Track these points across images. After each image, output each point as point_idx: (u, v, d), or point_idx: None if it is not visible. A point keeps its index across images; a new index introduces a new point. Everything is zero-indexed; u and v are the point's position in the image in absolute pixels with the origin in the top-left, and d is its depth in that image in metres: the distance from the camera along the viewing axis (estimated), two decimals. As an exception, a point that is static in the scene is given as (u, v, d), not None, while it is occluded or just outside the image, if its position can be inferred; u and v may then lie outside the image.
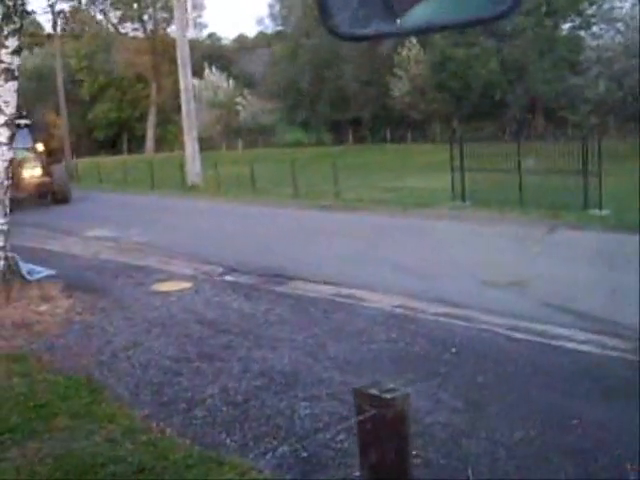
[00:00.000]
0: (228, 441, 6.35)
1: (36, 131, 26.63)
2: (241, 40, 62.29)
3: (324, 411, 6.69)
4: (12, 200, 20.02)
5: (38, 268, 11.76)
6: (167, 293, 11.70)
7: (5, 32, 9.90)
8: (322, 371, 7.76)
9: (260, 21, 50.10)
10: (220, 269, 13.39)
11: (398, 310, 9.98)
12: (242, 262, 13.65)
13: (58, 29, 57.05)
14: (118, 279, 13.02)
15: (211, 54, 56.23)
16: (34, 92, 55.96)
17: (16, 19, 9.76)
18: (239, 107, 48.77)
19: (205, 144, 51.50)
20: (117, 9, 54.87)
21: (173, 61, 56.90)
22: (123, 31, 56.18)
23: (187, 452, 6.16)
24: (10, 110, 10.33)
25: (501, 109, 32.47)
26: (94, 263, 14.82)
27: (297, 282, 12.05)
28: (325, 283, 11.76)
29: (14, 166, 20.85)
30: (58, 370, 8.35)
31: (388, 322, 9.45)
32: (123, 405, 7.23)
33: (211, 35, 70.10)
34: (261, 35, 57.35)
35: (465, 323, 9.22)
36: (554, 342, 8.33)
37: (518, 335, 8.63)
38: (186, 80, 26.82)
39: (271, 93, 45.57)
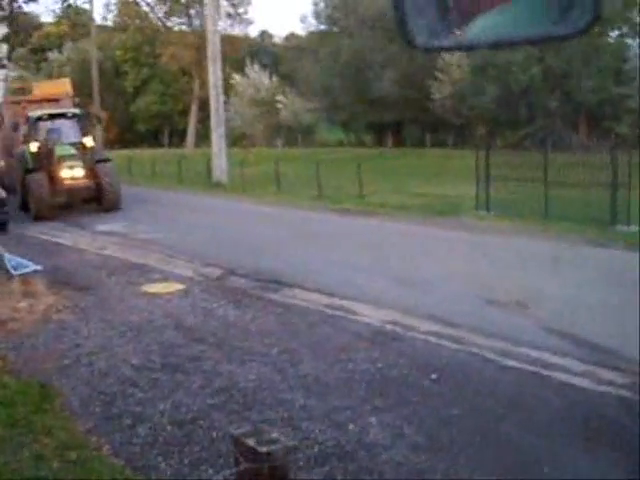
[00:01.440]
0: (163, 465, 5.85)
1: (87, 123, 23.42)
2: (290, 39, 61.96)
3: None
4: (47, 206, 19.72)
5: (25, 262, 11.37)
6: (155, 295, 11.27)
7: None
8: (286, 391, 7.21)
9: (304, 19, 50.01)
10: (219, 272, 12.91)
11: (388, 327, 9.36)
12: (243, 265, 13.14)
13: (97, 20, 57.72)
14: (111, 277, 12.61)
15: (257, 51, 56.09)
16: (79, 83, 56.27)
17: (5, 6, 9.38)
18: (280, 105, 48.32)
19: (246, 141, 51.39)
20: (164, 3, 54.88)
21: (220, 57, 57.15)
22: (169, 25, 56.16)
23: (114, 476, 5.68)
24: (-4, 98, 9.97)
25: (540, 117, 31.53)
26: (94, 258, 14.47)
27: (293, 290, 11.49)
28: (320, 292, 11.18)
29: (52, 164, 20.20)
30: (16, 372, 7.97)
31: (374, 339, 8.87)
32: (68, 416, 6.78)
33: (263, 33, 69.91)
34: (310, 35, 56.79)
35: (455, 345, 8.58)
36: (545, 372, 7.65)
37: (508, 362, 7.96)
38: (215, 76, 26.36)
39: (313, 92, 45.02)
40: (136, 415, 6.72)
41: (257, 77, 50.17)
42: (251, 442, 3.21)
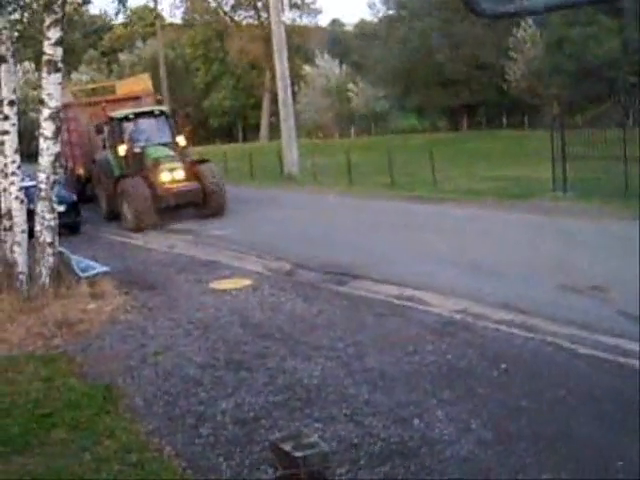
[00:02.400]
0: (224, 466, 5.75)
1: (177, 121, 21.03)
2: (361, 26, 61.46)
3: (334, 436, 5.98)
4: (149, 214, 17.34)
5: (93, 264, 11.48)
6: (223, 291, 11.23)
7: (47, 23, 9.60)
8: (350, 386, 7.05)
9: (372, 6, 49.34)
10: (288, 266, 12.81)
11: (458, 316, 9.11)
12: (313, 258, 13.01)
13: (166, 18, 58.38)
14: (181, 275, 12.66)
15: (327, 41, 55.85)
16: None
17: (57, 9, 9.43)
18: (351, 94, 48.04)
19: (319, 131, 51.30)
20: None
21: (289, 48, 57.16)
22: (237, 19, 56.35)
23: (173, 478, 5.62)
24: (54, 103, 10.05)
25: (619, 92, 30.39)
26: (163, 257, 14.57)
27: (362, 281, 11.32)
28: (390, 283, 10.97)
29: (146, 167, 18.22)
30: (84, 375, 8.02)
31: (443, 330, 8.61)
32: (131, 418, 6.77)
33: (334, 21, 69.54)
34: (380, 21, 56.17)
35: (527, 333, 8.27)
36: (622, 359, 7.27)
37: (583, 350, 7.61)
38: (282, 67, 26.23)
39: (384, 79, 44.53)
40: (199, 415, 6.66)
41: (327, 67, 49.96)
42: (288, 447, 3.05)
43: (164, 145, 19.12)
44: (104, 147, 20.45)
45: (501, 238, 13.47)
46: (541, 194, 17.98)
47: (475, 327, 8.66)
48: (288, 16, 57.57)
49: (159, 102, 24.67)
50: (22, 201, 10.68)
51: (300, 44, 53.74)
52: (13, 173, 10.47)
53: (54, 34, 9.51)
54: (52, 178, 10.36)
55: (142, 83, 24.46)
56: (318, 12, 63.76)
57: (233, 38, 54.48)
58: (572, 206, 16.29)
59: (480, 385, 6.86)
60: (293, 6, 56.64)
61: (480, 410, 6.31)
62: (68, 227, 18.08)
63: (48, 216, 10.37)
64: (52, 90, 9.93)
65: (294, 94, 53.46)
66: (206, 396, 7.08)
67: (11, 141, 10.40)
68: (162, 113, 20.28)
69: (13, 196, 10.48)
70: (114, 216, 19.10)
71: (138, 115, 19.70)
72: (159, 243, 16.21)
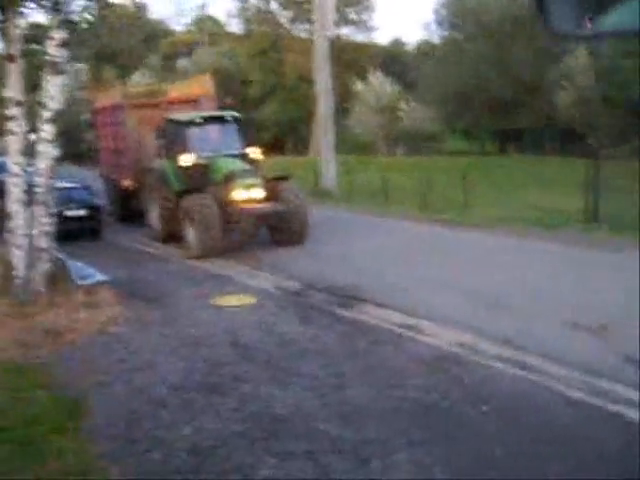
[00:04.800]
0: (166, 496, 5.45)
1: (249, 129, 18.53)
2: (420, 46, 61.05)
3: (287, 473, 5.63)
4: (218, 239, 14.61)
5: (91, 271, 11.30)
6: (223, 308, 10.95)
7: (52, 24, 9.48)
8: (321, 420, 6.67)
9: (427, 26, 48.67)
10: (297, 285, 12.48)
11: (454, 349, 8.68)
12: (325, 279, 12.69)
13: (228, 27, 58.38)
14: (188, 288, 12.42)
15: (384, 59, 55.42)
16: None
17: (62, 9, 9.30)
18: (401, 113, 47.60)
19: (367, 149, 50.92)
20: (286, 9, 55.22)
21: (342, 64, 57.01)
22: (294, 31, 56.36)
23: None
24: (55, 105, 9.91)
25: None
26: (176, 268, 14.37)
27: (367, 306, 10.94)
28: (396, 309, 10.57)
29: (215, 182, 15.40)
30: (56, 387, 7.77)
31: (434, 363, 8.20)
32: (87, 437, 6.49)
33: (396, 40, 69.09)
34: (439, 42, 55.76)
35: (520, 372, 7.81)
36: (614, 408, 6.76)
37: (576, 395, 7.12)
38: (323, 82, 26.04)
39: (435, 100, 44.06)
40: (155, 439, 6.35)
41: (380, 84, 49.57)
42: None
43: (235, 157, 16.38)
44: (159, 155, 17.77)
45: (519, 268, 12.97)
46: (572, 224, 17.38)
47: (470, 363, 8.21)
48: (344, 31, 57.79)
49: (228, 107, 21.53)
50: (25, 203, 10.51)
51: (354, 60, 53.60)
52: (16, 175, 10.34)
53: (59, 35, 9.39)
54: (49, 183, 10.21)
55: (202, 85, 21.84)
56: (374, 29, 63.39)
57: (288, 51, 54.43)
58: (601, 238, 15.69)
59: (457, 428, 6.44)
60: (349, 22, 56.51)
61: (449, 456, 5.89)
62: (89, 232, 18.15)
63: (44, 221, 10.22)
64: (54, 92, 9.80)
65: (345, 110, 53.58)
66: (169, 419, 6.77)
67: (16, 142, 10.26)
68: (235, 119, 17.26)
69: (15, 198, 10.34)
70: (172, 239, 16.49)
71: (206, 120, 17.00)
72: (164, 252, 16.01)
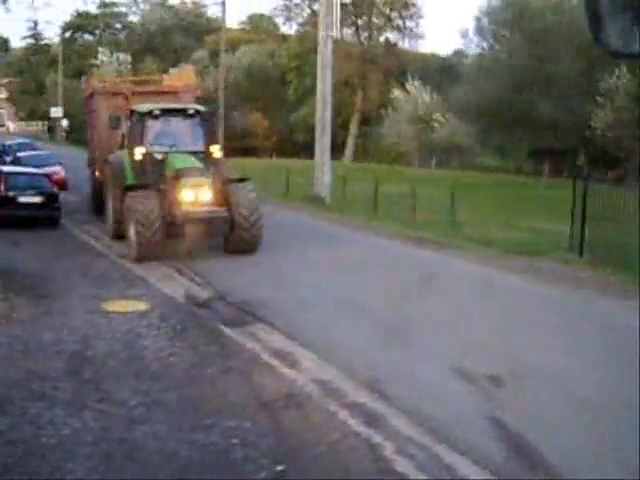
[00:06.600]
0: None
1: (215, 125, 17.33)
2: (458, 55, 59.21)
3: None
4: (155, 242, 13.55)
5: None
6: (106, 314, 10.07)
7: None
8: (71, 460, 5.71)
9: (465, 34, 46.72)
10: (208, 295, 11.53)
11: (309, 388, 7.55)
12: (243, 291, 11.69)
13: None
14: (89, 287, 11.63)
15: (421, 66, 54.01)
16: (245, 88, 56.92)
17: None
18: (436, 124, 46.29)
19: (400, 159, 49.70)
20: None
21: (385, 71, 55.86)
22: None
23: None
24: None
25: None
26: (96, 264, 13.62)
27: (257, 325, 9.90)
28: (285, 334, 9.45)
29: (165, 180, 14.33)
30: None
31: (275, 403, 7.12)
32: None
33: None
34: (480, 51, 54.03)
35: (363, 428, 6.65)
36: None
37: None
38: (324, 84, 25.01)
39: (469, 112, 42.45)
40: None
41: (417, 93, 48.34)
42: None
43: (193, 154, 15.18)
44: (121, 147, 16.94)
45: (466, 300, 11.71)
46: (554, 253, 16.01)
47: (316, 406, 7.08)
48: (390, 37, 56.62)
49: (201, 101, 20.56)
50: None
51: (394, 67, 52.61)
52: None
53: None
54: None
55: (185, 77, 21.29)
56: (419, 37, 61.88)
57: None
58: (576, 273, 14.29)
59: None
60: (395, 28, 55.43)
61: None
62: (47, 220, 17.50)
63: None
64: None
65: (380, 117, 52.26)
66: None
67: None
68: (198, 113, 16.03)
69: None
70: (120, 236, 15.25)
71: (166, 112, 15.77)
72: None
